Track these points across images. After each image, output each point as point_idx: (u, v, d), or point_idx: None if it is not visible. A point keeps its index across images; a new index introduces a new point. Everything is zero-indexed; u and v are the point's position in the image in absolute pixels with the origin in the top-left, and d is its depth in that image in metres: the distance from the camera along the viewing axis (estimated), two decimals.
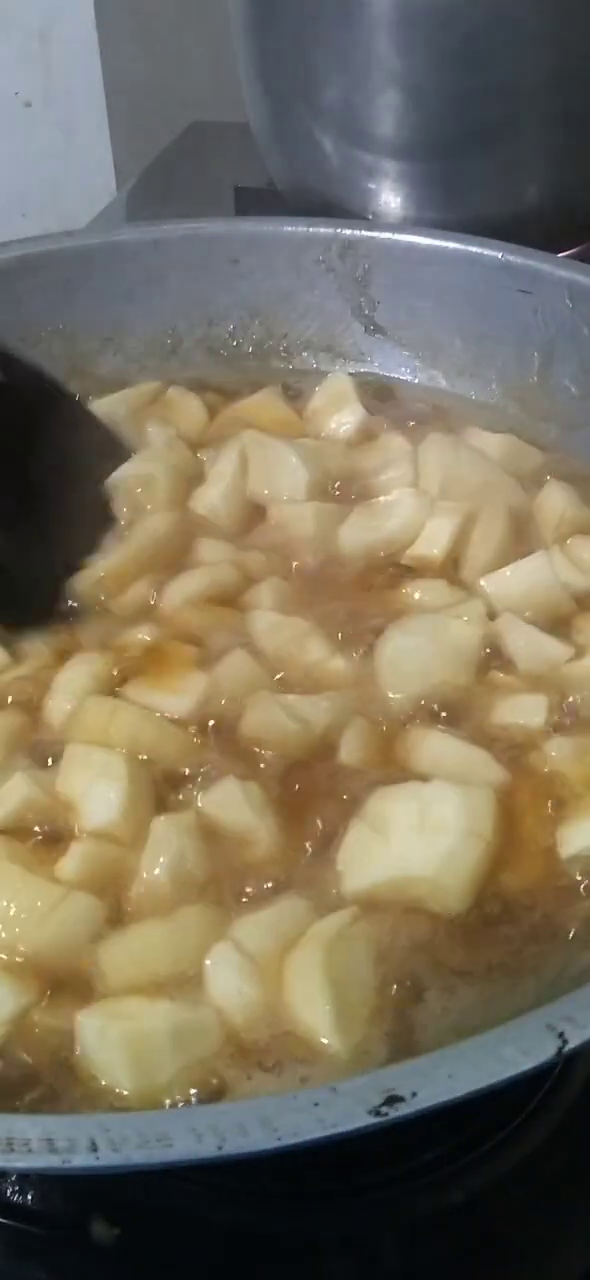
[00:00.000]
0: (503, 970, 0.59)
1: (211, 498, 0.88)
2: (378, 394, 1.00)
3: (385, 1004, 0.57)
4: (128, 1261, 0.62)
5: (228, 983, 0.57)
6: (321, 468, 0.89)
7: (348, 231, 1.02)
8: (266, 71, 1.26)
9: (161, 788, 0.66)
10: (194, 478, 0.89)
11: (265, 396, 0.99)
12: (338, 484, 0.89)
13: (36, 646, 0.76)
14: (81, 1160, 0.43)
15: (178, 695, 0.71)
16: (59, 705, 0.71)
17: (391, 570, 0.82)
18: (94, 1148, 0.43)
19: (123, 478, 0.87)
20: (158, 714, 0.70)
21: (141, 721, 0.69)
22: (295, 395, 1.00)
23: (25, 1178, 0.63)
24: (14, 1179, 0.63)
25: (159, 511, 0.86)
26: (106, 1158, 0.43)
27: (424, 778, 0.66)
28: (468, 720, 0.70)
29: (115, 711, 0.70)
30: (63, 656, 0.75)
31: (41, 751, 0.69)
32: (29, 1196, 0.63)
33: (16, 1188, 0.63)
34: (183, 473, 0.89)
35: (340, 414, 0.96)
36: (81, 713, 0.70)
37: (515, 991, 0.58)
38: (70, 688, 0.72)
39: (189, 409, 0.98)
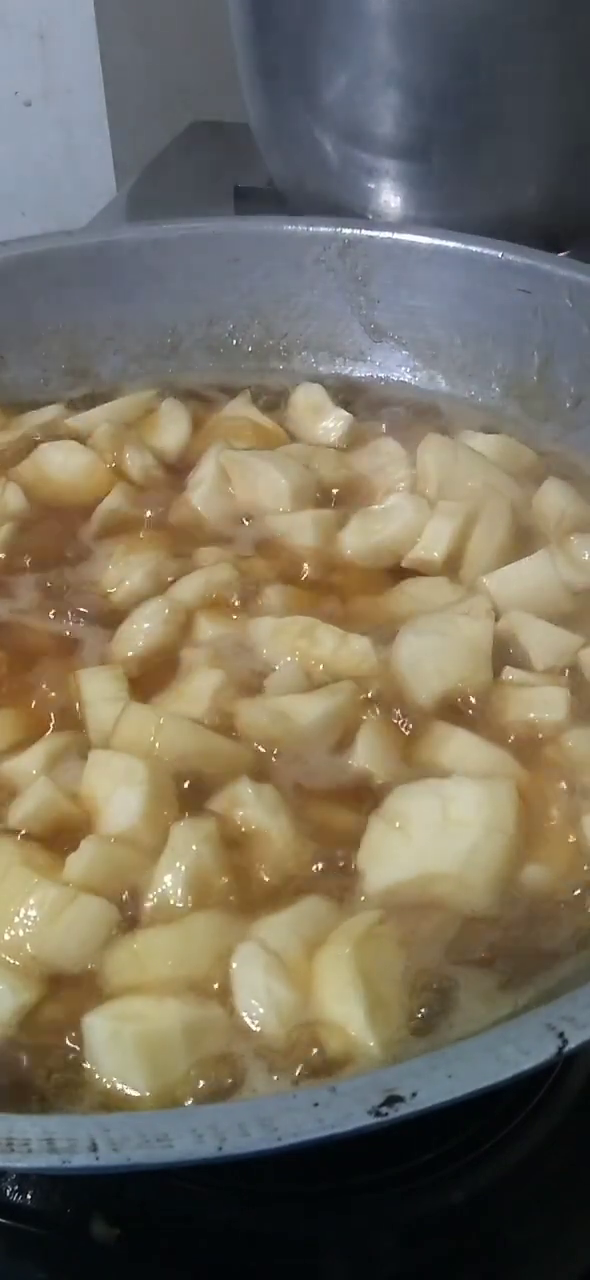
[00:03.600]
0: (531, 963, 0.59)
1: (196, 502, 0.88)
2: (357, 395, 1.00)
3: (414, 1001, 0.57)
4: (128, 1261, 0.62)
5: (256, 982, 0.57)
6: (307, 475, 0.89)
7: (348, 231, 1.02)
8: (266, 71, 1.26)
9: (182, 791, 0.66)
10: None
11: (242, 406, 0.98)
12: (334, 490, 0.89)
13: None
14: (81, 1160, 0.43)
15: (190, 699, 0.71)
16: (95, 714, 0.71)
17: (394, 573, 0.82)
18: (94, 1148, 0.43)
19: None
20: (173, 716, 0.69)
21: (159, 723, 0.68)
22: (274, 402, 0.99)
23: (25, 1178, 0.63)
24: (14, 1179, 0.63)
25: None
26: (106, 1158, 0.43)
27: (443, 775, 0.65)
28: (484, 716, 0.70)
29: (130, 714, 0.69)
30: None
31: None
32: (29, 1196, 0.63)
33: (16, 1188, 0.63)
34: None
35: (325, 420, 0.96)
36: (120, 721, 0.69)
37: (545, 985, 0.58)
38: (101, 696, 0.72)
39: (172, 425, 0.97)
